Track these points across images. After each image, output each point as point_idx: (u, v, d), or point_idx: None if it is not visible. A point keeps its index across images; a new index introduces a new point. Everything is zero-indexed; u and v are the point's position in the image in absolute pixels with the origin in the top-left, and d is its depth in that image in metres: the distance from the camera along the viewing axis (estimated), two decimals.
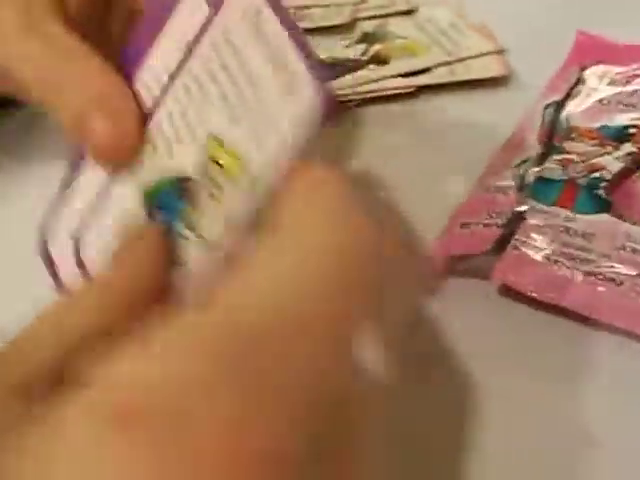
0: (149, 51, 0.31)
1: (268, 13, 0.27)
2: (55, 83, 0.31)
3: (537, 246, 0.33)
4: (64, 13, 0.33)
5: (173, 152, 0.28)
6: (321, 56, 0.46)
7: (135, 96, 0.31)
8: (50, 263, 0.32)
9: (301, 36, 0.27)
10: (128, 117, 0.29)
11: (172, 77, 0.29)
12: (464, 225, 0.34)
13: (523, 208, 0.34)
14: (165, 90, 0.30)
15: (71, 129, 0.30)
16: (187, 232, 0.26)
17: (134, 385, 0.18)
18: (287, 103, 0.25)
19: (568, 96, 0.39)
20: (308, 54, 0.26)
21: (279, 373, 0.18)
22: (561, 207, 0.34)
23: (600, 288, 0.31)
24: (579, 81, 0.40)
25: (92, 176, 0.31)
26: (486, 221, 0.34)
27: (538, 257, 0.33)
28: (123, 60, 0.32)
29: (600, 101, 0.38)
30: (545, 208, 0.34)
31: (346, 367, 0.20)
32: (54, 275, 0.32)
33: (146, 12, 0.33)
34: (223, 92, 0.27)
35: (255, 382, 0.18)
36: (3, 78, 0.34)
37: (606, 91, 0.39)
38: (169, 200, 0.27)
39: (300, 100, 0.24)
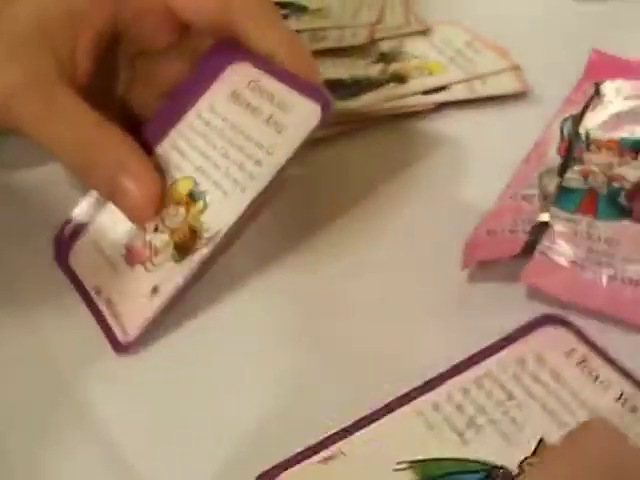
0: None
1: None
2: (76, 152, 0.33)
3: (562, 252, 0.34)
4: (74, 82, 0.34)
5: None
6: (342, 76, 0.47)
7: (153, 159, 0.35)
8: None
9: None
10: (149, 179, 0.33)
11: None
12: (491, 232, 0.36)
13: (547, 215, 0.36)
14: None
15: (104, 193, 0.34)
16: None
17: None
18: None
19: (585, 110, 0.41)
20: None
21: None
22: (583, 214, 0.36)
23: (625, 290, 0.33)
24: (596, 95, 0.41)
25: None
26: (512, 228, 0.35)
27: (564, 262, 0.34)
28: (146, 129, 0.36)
29: (617, 114, 0.40)
30: (568, 215, 0.36)
31: None
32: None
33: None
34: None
35: None
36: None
37: (622, 105, 0.40)
38: None
39: None
